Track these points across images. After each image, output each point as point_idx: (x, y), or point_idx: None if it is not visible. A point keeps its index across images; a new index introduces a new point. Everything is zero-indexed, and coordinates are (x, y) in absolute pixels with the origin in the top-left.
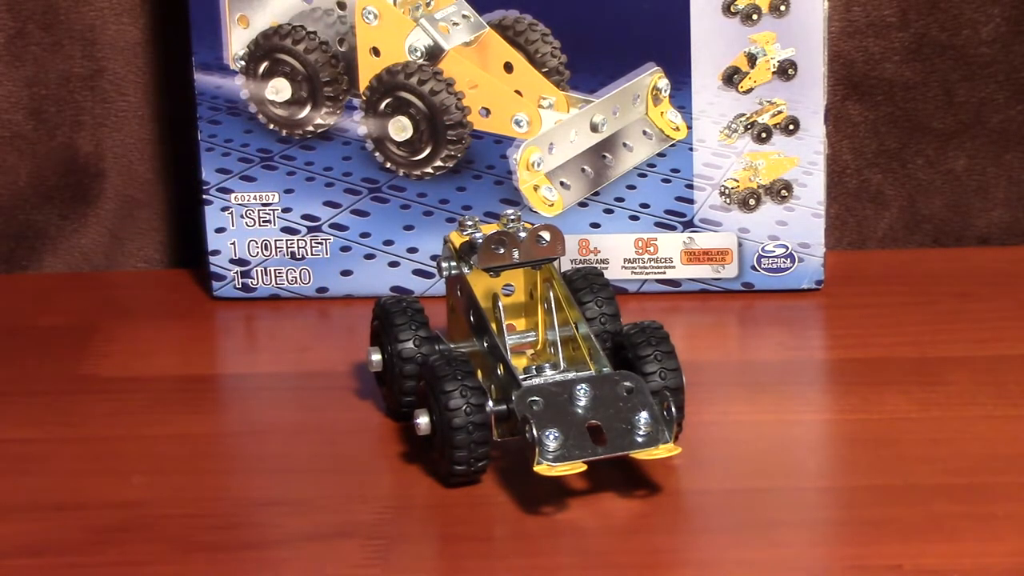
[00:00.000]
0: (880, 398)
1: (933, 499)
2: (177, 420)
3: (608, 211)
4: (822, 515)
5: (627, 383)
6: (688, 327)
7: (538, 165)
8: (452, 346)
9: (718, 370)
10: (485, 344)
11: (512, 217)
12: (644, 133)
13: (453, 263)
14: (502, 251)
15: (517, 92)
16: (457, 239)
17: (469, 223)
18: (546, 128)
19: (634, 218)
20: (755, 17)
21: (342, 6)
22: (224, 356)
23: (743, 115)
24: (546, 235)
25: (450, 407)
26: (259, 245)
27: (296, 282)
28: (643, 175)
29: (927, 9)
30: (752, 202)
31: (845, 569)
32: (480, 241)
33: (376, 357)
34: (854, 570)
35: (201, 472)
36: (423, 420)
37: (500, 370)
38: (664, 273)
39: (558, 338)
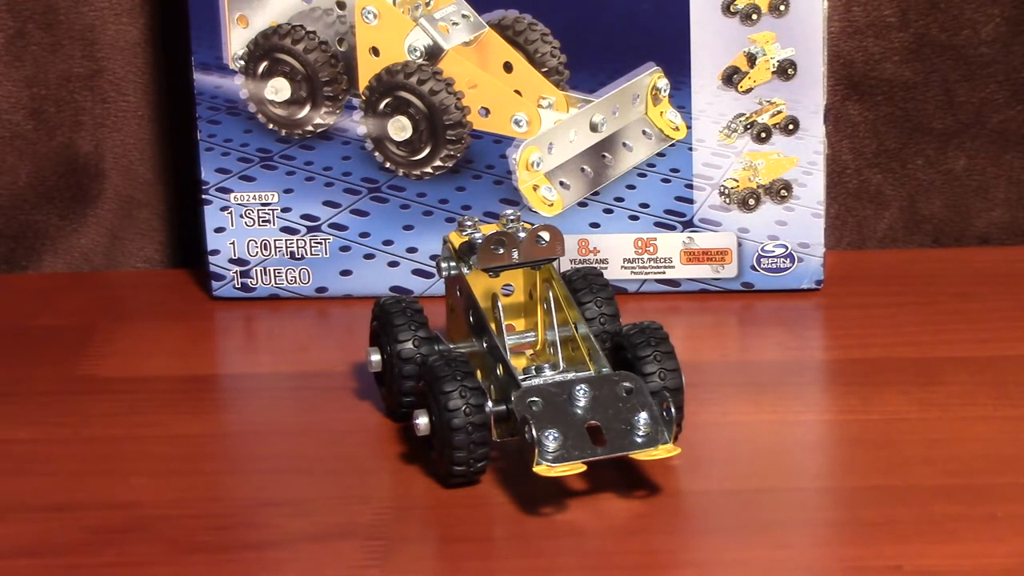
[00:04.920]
0: (880, 398)
1: (933, 500)
2: (177, 420)
3: (608, 211)
4: (822, 515)
5: (626, 383)
6: (688, 327)
7: (537, 165)
8: (451, 346)
9: (718, 370)
10: (484, 344)
11: (512, 217)
12: (644, 133)
13: (452, 263)
14: (501, 251)
15: (516, 92)
16: (456, 239)
17: (468, 223)
18: (545, 128)
19: (634, 218)
20: (755, 17)
21: (342, 6)
22: (224, 356)
23: (743, 115)
24: (545, 235)
25: (449, 407)
26: (258, 245)
27: (295, 282)
28: (643, 175)
29: (927, 9)
30: (752, 202)
31: (845, 570)
32: (479, 241)
33: (375, 357)
34: (854, 571)
35: (201, 472)
36: (422, 420)
37: (499, 370)
38: (664, 273)
39: (557, 338)
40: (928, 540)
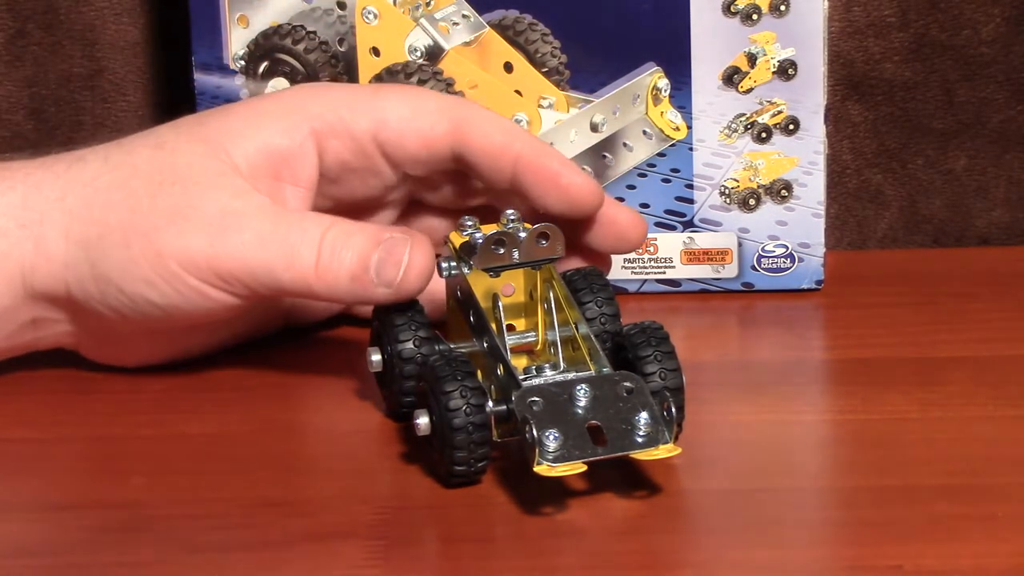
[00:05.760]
0: (880, 398)
1: (933, 500)
2: (177, 420)
3: None
4: (822, 515)
5: (627, 383)
6: (688, 327)
7: None
8: (452, 346)
9: (718, 370)
10: (485, 344)
11: (512, 217)
12: (644, 133)
13: (453, 263)
14: (502, 251)
15: (517, 92)
16: (457, 239)
17: (469, 223)
18: (546, 128)
19: None
20: (755, 17)
21: (342, 6)
22: (224, 356)
23: (743, 115)
24: (546, 235)
25: (450, 407)
26: None
27: None
28: (643, 175)
29: (927, 9)
30: (752, 202)
31: (845, 569)
32: (480, 241)
33: (376, 357)
34: (854, 570)
35: (201, 472)
36: (423, 420)
37: (500, 370)
38: (664, 273)
39: (558, 338)
40: (928, 540)
